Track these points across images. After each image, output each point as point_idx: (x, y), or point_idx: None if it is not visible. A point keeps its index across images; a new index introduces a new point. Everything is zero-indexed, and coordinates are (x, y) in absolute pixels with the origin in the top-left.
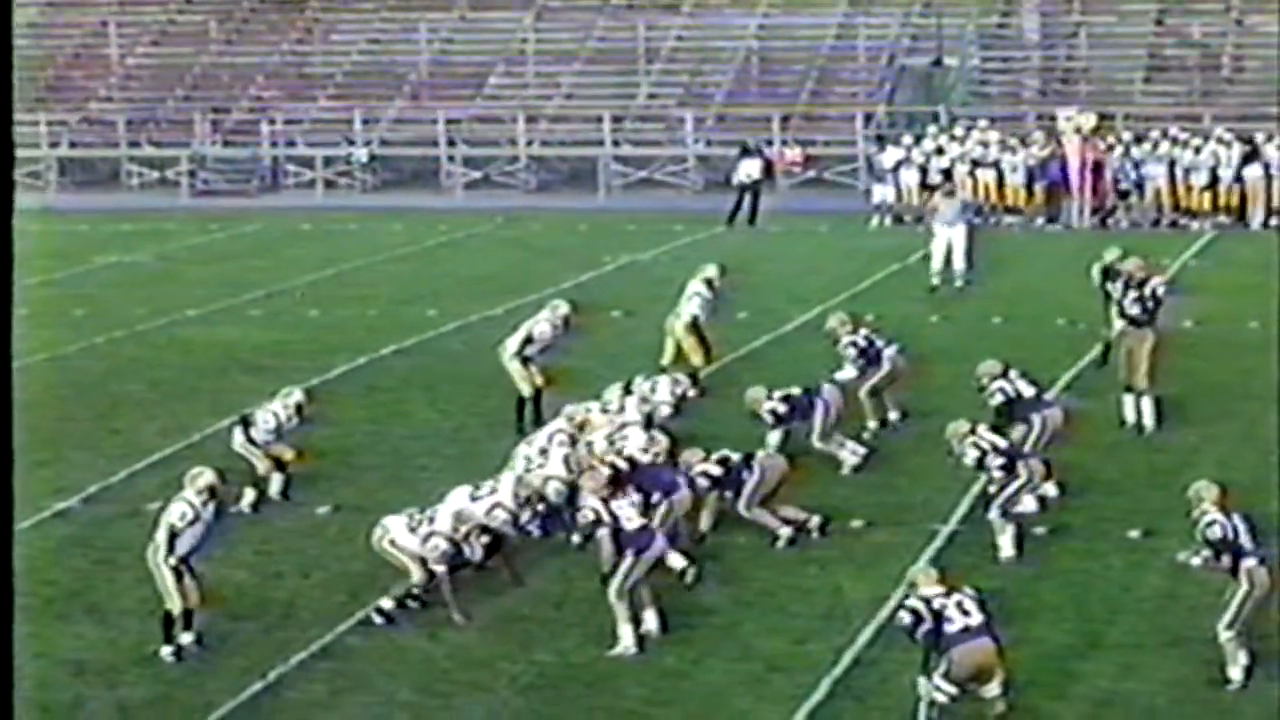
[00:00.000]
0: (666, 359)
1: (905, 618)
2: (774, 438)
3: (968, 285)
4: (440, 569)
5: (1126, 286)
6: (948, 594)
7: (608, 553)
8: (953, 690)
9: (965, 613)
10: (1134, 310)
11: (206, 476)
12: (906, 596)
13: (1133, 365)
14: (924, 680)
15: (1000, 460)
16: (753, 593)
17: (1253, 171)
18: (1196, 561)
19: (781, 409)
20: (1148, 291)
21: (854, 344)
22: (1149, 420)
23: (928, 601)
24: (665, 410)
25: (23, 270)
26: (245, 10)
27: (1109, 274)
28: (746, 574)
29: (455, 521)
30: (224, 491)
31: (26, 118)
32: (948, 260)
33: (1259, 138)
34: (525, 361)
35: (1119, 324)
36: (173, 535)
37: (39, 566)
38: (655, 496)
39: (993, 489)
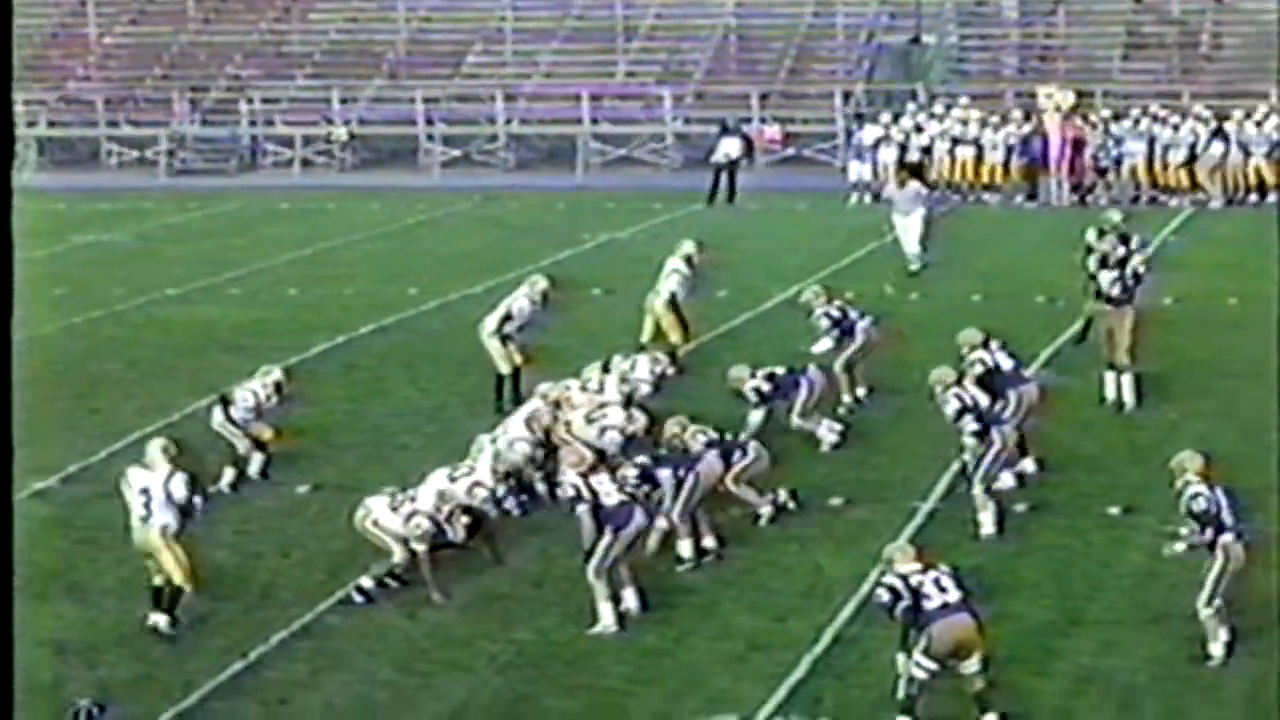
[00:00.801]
0: (646, 337)
1: (883, 595)
2: (757, 416)
3: (924, 269)
4: (421, 548)
5: (1103, 265)
6: (924, 571)
7: (588, 530)
8: (932, 666)
9: (943, 589)
10: (1114, 290)
11: (172, 447)
12: (883, 574)
13: (1114, 344)
14: (903, 657)
15: (975, 425)
16: (733, 571)
17: (1216, 149)
18: (1180, 547)
19: (765, 387)
20: (1129, 271)
21: (827, 315)
22: (1129, 397)
23: (905, 578)
24: (645, 389)
25: None
26: None
27: (1104, 234)
28: (727, 552)
29: (438, 500)
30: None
31: None
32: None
33: (1237, 114)
34: (504, 340)
35: (1097, 304)
36: (184, 512)
37: (18, 547)
38: (681, 472)
39: (968, 457)
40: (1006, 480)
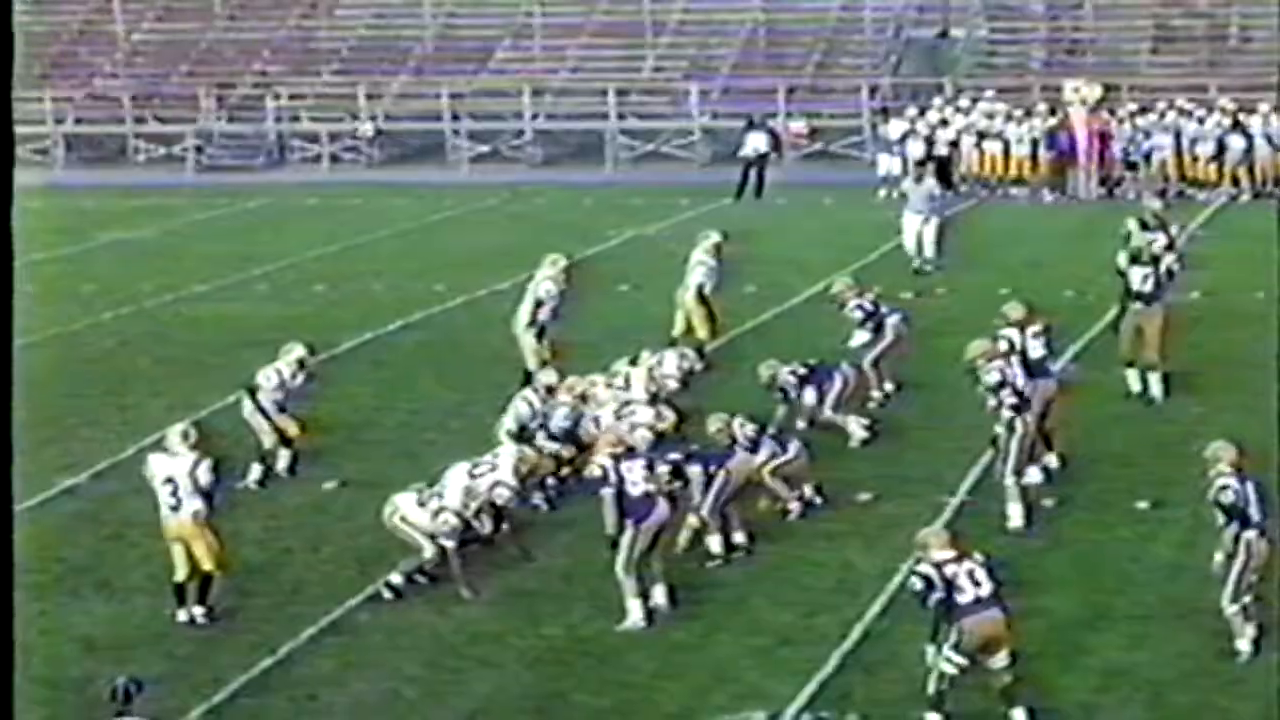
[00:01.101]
0: (677, 331)
1: (917, 583)
2: (810, 396)
3: (937, 270)
4: (450, 544)
5: (1134, 262)
6: (959, 560)
7: (611, 514)
8: (963, 662)
9: (976, 583)
10: (1145, 287)
11: (192, 432)
12: (918, 561)
13: (1143, 342)
14: (932, 649)
15: (1014, 399)
16: (762, 566)
17: (1237, 143)
18: (1220, 557)
19: (802, 371)
20: (1163, 270)
21: (860, 307)
22: (1157, 392)
23: (939, 568)
24: (672, 385)
25: (29, 247)
26: None
27: (1145, 225)
28: (756, 548)
29: (466, 497)
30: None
31: (32, 94)
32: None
33: (1264, 107)
34: (540, 334)
35: (1126, 301)
36: (208, 494)
37: (48, 543)
38: (712, 467)
39: (1000, 430)
40: (1034, 475)
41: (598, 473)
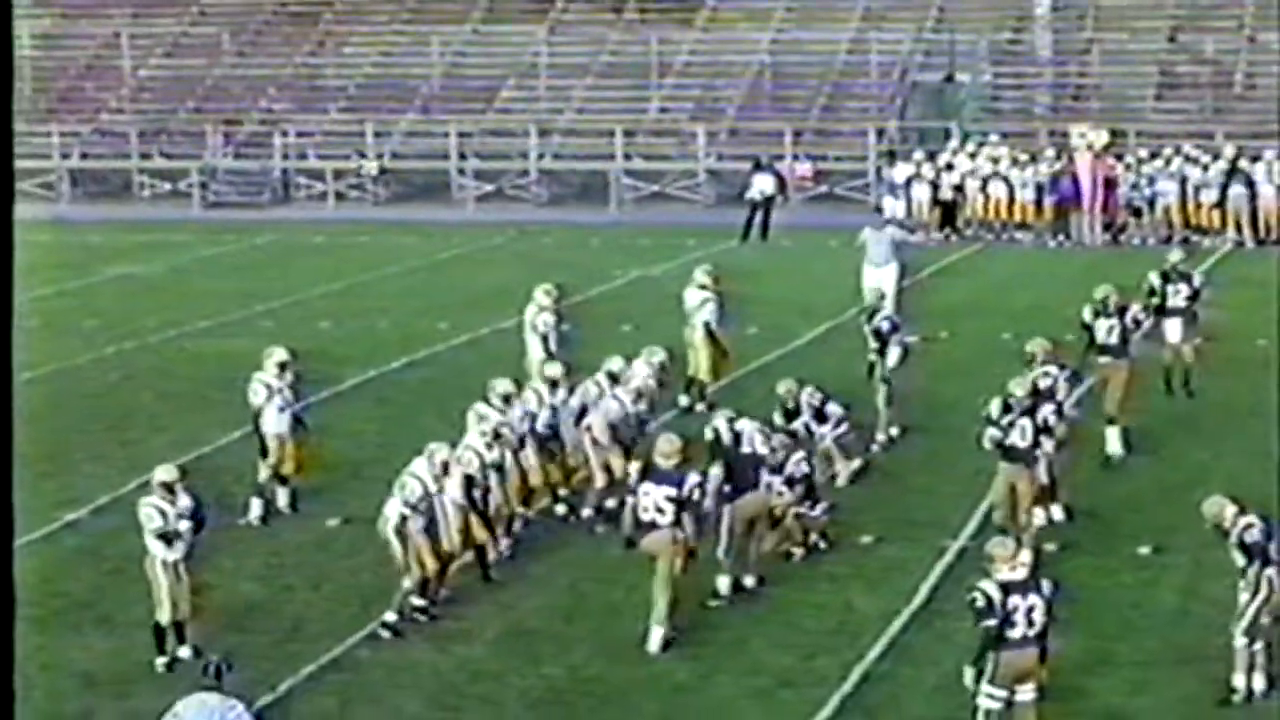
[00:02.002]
0: (702, 373)
1: (979, 601)
2: (836, 412)
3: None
4: (417, 523)
5: (1099, 315)
6: (1025, 589)
7: (628, 523)
8: (1003, 695)
9: (1031, 623)
10: (1112, 339)
11: (163, 473)
12: (986, 573)
13: (1105, 395)
14: (971, 672)
15: (1055, 443)
16: (763, 608)
17: (1234, 189)
18: (1245, 597)
19: (819, 400)
20: (1129, 320)
21: (889, 319)
22: (1116, 448)
23: (1006, 594)
24: (651, 385)
25: (34, 280)
26: (258, 22)
27: (1168, 277)
28: (757, 589)
29: (439, 470)
30: (183, 485)
31: (39, 128)
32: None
33: (1268, 154)
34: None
35: (1100, 358)
36: (163, 538)
37: (49, 578)
38: (727, 489)
39: (1042, 455)
40: (1038, 517)
41: (631, 480)
